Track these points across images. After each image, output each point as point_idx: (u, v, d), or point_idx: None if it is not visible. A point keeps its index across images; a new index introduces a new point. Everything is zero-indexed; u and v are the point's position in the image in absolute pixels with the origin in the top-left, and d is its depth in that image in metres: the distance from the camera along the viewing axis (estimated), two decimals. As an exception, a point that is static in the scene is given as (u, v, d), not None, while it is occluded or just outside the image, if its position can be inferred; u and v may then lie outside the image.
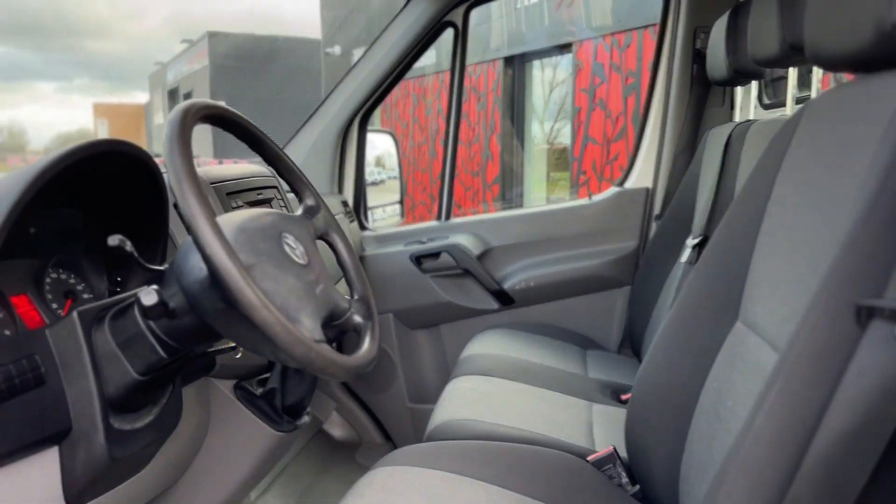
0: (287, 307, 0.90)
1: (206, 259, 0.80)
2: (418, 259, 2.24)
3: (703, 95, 2.17)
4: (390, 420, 2.35)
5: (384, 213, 2.69)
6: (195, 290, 0.89)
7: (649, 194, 2.25)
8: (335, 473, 2.17)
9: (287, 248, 0.96)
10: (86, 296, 1.16)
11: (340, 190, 2.30)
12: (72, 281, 1.15)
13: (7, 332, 0.99)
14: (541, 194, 8.21)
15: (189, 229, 0.81)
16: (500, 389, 1.66)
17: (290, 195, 1.74)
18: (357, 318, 1.06)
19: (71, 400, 0.94)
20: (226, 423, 1.34)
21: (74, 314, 0.95)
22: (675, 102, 2.17)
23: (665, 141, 2.21)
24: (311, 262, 0.99)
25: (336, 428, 2.34)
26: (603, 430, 1.52)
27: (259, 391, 1.41)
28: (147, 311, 0.86)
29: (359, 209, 2.39)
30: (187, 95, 22.16)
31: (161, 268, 0.98)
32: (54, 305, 1.09)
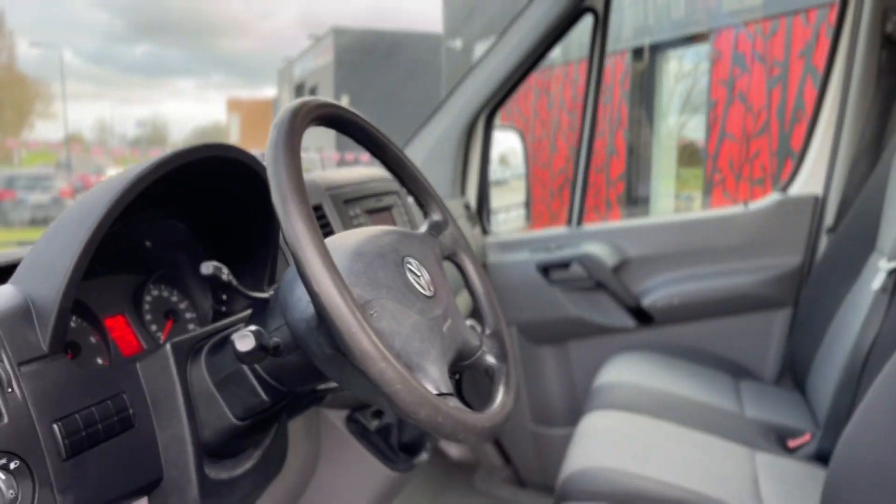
0: (409, 352, 0.73)
1: (313, 296, 0.65)
2: (545, 269, 2.05)
3: (894, 88, 1.84)
4: (511, 442, 2.17)
5: (507, 215, 2.50)
6: (300, 329, 0.74)
7: (819, 203, 1.94)
8: (452, 499, 2.01)
9: (410, 277, 0.80)
10: (188, 315, 1.04)
11: (462, 191, 2.14)
12: (174, 299, 1.03)
13: (99, 361, 0.88)
14: (669, 192, 7.76)
15: (293, 257, 0.66)
16: (644, 429, 1.44)
17: (410, 199, 1.60)
18: (489, 359, 0.88)
19: (162, 445, 0.82)
20: (336, 459, 1.20)
21: (168, 347, 0.83)
22: (857, 96, 1.85)
23: (841, 141, 1.90)
24: (437, 293, 0.83)
25: (453, 447, 2.19)
26: (772, 488, 1.27)
27: (374, 424, 1.27)
28: (242, 358, 0.72)
29: (481, 212, 2.22)
30: (312, 90, 22.83)
31: (265, 296, 0.84)
32: (153, 327, 0.98)
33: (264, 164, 0.75)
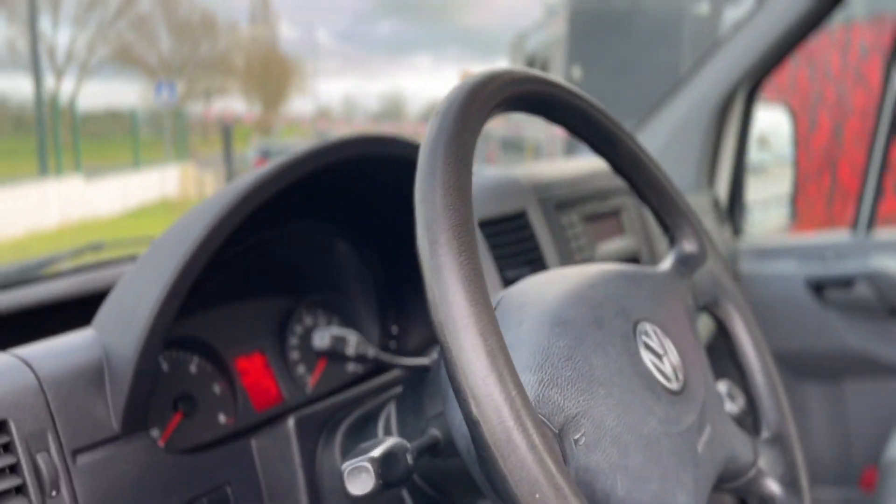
0: (640, 501, 0.43)
1: (470, 424, 0.37)
2: (818, 286, 1.60)
3: None
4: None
5: (765, 214, 2.04)
6: (461, 445, 0.47)
7: None
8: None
9: (646, 357, 0.49)
10: (348, 352, 0.82)
11: (710, 182, 1.74)
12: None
13: (222, 419, 0.68)
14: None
15: (441, 346, 0.38)
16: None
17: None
18: (770, 486, 0.55)
19: None
20: None
21: (290, 423, 0.60)
22: None
23: None
24: (689, 383, 0.51)
25: None
26: None
27: None
28: (356, 501, 0.46)
29: (734, 208, 1.80)
30: (544, 65, 22.48)
31: (424, 363, 0.58)
32: (300, 369, 0.77)
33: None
